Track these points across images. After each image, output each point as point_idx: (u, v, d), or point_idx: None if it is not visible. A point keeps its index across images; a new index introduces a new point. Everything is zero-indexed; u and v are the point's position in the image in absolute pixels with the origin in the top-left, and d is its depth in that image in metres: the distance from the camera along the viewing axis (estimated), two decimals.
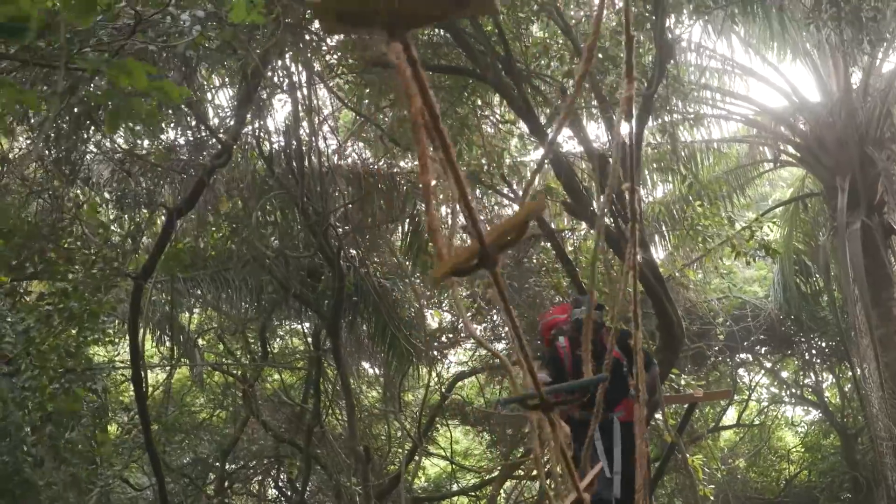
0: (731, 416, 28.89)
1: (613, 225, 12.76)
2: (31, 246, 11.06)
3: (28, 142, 12.63)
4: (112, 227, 13.18)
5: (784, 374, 28.40)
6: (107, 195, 14.29)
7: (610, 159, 12.61)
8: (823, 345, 25.19)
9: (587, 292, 12.93)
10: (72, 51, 6.43)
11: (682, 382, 17.06)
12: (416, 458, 22.66)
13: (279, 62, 12.70)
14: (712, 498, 19.49)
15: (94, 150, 12.71)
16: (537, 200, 2.13)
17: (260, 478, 23.92)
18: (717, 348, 22.85)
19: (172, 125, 13.07)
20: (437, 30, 13.42)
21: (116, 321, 16.06)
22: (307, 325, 20.55)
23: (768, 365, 27.72)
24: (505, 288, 2.16)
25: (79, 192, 13.20)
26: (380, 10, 1.59)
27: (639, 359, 5.27)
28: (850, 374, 22.61)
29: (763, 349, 26.28)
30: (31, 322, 11.30)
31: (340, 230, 16.35)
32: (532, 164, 17.33)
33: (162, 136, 13.67)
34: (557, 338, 9.19)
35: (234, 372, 21.32)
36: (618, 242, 12.49)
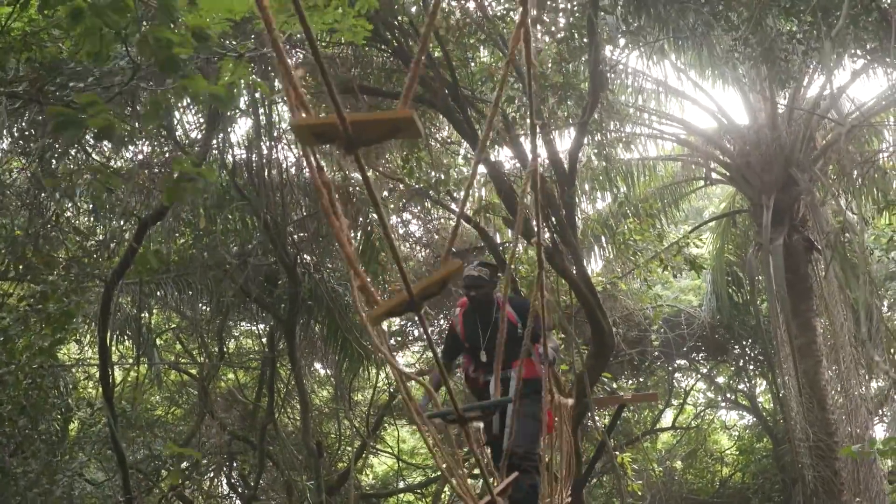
0: (668, 420, 29.79)
1: (549, 238, 13.61)
2: (13, 251, 11.81)
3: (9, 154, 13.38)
4: (88, 235, 13.92)
5: (720, 380, 29.17)
6: (84, 205, 15.03)
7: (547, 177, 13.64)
8: (756, 352, 25.78)
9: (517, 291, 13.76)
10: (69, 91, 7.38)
11: (615, 385, 18.03)
12: (365, 455, 23.44)
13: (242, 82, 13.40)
14: (640, 493, 20.48)
15: (73, 164, 13.38)
16: (456, 265, 3.02)
17: (212, 474, 24.13)
18: (655, 353, 23.71)
19: (145, 141, 13.84)
20: (390, 57, 14.33)
21: (83, 321, 16.68)
22: (262, 326, 21.06)
23: (704, 371, 28.56)
24: (426, 327, 3.18)
25: (60, 202, 13.87)
26: (339, 134, 2.39)
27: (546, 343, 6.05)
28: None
29: (699, 356, 26.93)
30: (10, 321, 12.07)
31: (297, 237, 17.06)
32: (478, 178, 18.14)
33: (136, 151, 14.47)
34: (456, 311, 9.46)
35: (191, 371, 22.02)
36: (551, 255, 13.30)
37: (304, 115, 2.66)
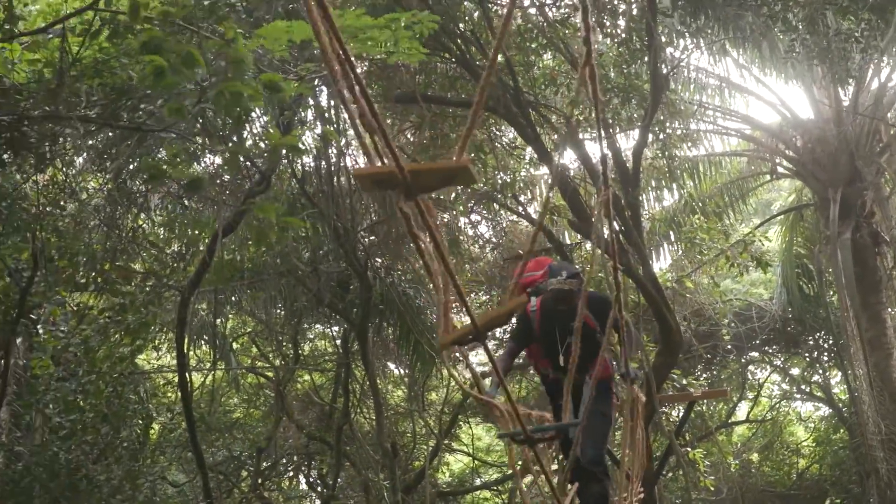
0: (743, 413, 29.62)
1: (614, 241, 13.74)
2: (92, 265, 12.21)
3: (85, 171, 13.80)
4: (163, 247, 14.32)
5: (794, 372, 29.01)
6: (158, 218, 15.43)
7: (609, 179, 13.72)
8: (829, 343, 25.58)
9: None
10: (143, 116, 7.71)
11: (685, 382, 18.09)
12: (440, 454, 23.60)
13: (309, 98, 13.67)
14: (712, 489, 20.52)
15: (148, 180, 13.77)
16: (521, 301, 3.22)
17: (291, 474, 24.59)
18: (727, 347, 23.69)
19: (215, 154, 14.18)
20: (453, 64, 14.52)
21: (161, 329, 17.08)
22: (336, 328, 21.26)
23: (777, 363, 28.44)
24: (492, 357, 3.44)
25: (136, 217, 14.27)
26: (399, 182, 2.55)
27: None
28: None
29: (772, 348, 26.88)
30: (90, 333, 12.47)
31: (367, 240, 17.26)
32: (544, 178, 18.33)
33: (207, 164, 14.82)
34: (531, 298, 8.82)
35: (267, 373, 22.36)
36: (617, 255, 13.43)
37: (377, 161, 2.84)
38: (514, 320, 9.46)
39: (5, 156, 8.38)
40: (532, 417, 9.53)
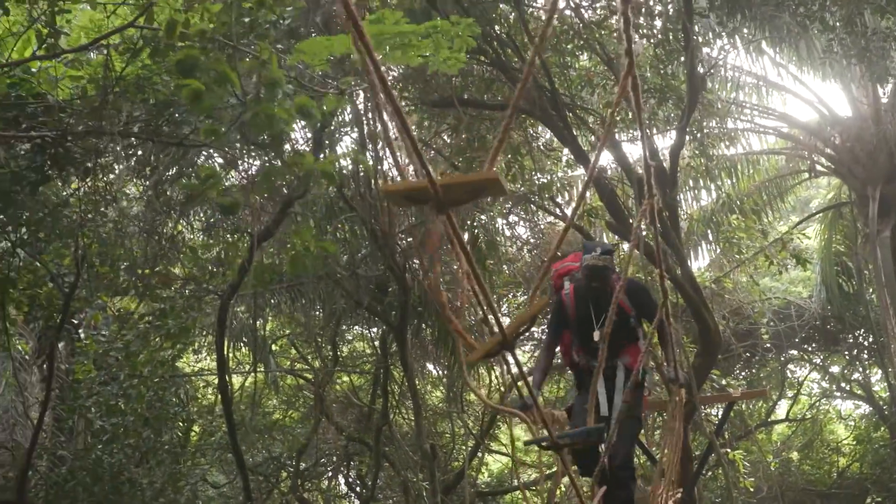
0: (782, 411, 29.50)
1: (652, 241, 13.79)
2: (132, 271, 12.34)
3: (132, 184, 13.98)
4: (202, 253, 14.43)
5: (834, 370, 28.86)
6: (197, 224, 15.56)
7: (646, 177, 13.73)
8: (870, 341, 25.51)
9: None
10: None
11: (724, 382, 18.07)
12: (479, 454, 23.63)
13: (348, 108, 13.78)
14: (752, 490, 20.45)
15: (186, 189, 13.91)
16: (542, 302, 3.25)
17: (330, 475, 24.69)
18: (766, 346, 23.61)
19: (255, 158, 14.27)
20: (488, 67, 14.55)
21: (201, 332, 17.21)
22: (374, 329, 21.28)
23: (817, 361, 28.30)
24: (521, 365, 3.47)
25: (176, 223, 14.39)
26: (430, 196, 2.57)
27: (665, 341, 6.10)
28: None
29: (811, 346, 26.76)
30: (131, 338, 12.61)
31: (405, 243, 17.28)
32: (581, 178, 18.35)
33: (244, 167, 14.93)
34: (564, 284, 8.78)
35: (306, 375, 22.46)
36: (654, 255, 13.47)
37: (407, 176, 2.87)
38: (549, 311, 9.48)
39: (50, 171, 8.48)
40: (558, 420, 9.54)
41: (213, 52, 5.42)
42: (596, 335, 8.30)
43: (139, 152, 11.70)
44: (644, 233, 10.85)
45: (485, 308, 3.14)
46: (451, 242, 2.89)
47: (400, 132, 2.60)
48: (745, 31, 15.03)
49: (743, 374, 25.74)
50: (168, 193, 13.09)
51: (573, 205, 18.23)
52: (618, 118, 14.77)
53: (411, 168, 2.78)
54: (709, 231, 21.12)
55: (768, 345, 23.48)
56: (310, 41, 6.25)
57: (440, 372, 22.65)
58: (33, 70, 7.56)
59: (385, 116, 2.62)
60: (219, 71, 4.99)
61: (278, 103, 5.18)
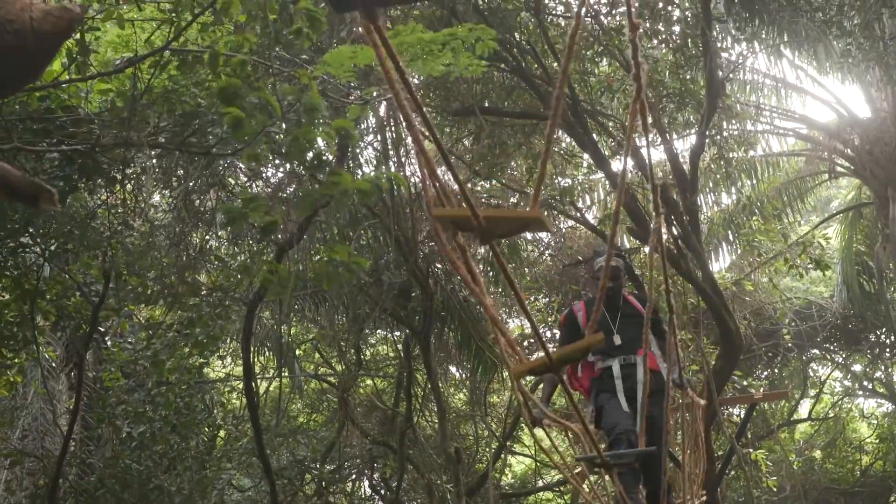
0: (805, 410, 29.47)
1: (673, 245, 13.89)
2: (159, 281, 12.47)
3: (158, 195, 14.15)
4: (229, 262, 14.56)
5: (856, 368, 28.85)
6: (223, 233, 15.68)
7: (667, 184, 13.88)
8: (892, 340, 25.61)
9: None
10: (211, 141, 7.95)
11: (745, 383, 18.10)
12: (503, 456, 23.69)
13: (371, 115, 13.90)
14: (775, 489, 20.53)
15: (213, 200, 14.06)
16: (597, 336, 3.36)
17: (354, 478, 24.72)
18: (788, 345, 23.64)
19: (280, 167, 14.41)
20: (509, 75, 14.66)
21: (228, 339, 17.34)
22: (397, 333, 21.37)
23: (839, 360, 28.27)
24: (567, 388, 3.61)
25: (202, 233, 14.54)
26: (475, 227, 2.69)
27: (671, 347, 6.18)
28: None
29: (833, 345, 26.72)
30: (159, 346, 12.73)
31: (428, 248, 17.40)
32: (602, 182, 18.47)
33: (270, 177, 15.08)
34: (574, 305, 9.15)
35: (330, 379, 22.56)
36: (676, 261, 13.58)
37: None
38: (559, 332, 9.73)
39: (78, 182, 8.63)
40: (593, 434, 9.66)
41: (253, 79, 5.57)
42: (616, 339, 8.57)
43: (164, 163, 11.87)
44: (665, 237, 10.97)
45: (533, 334, 3.25)
46: (499, 267, 3.01)
47: (443, 161, 2.74)
48: (764, 35, 15.10)
49: (765, 374, 25.76)
50: (196, 204, 13.26)
51: (599, 214, 18.29)
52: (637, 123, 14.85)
53: (450, 178, 2.91)
54: (729, 233, 21.22)
55: (790, 345, 23.48)
56: (335, 52, 6.39)
57: (463, 375, 22.74)
58: (62, 84, 7.72)
59: (418, 139, 2.76)
60: (260, 98, 5.15)
61: (319, 128, 5.33)
